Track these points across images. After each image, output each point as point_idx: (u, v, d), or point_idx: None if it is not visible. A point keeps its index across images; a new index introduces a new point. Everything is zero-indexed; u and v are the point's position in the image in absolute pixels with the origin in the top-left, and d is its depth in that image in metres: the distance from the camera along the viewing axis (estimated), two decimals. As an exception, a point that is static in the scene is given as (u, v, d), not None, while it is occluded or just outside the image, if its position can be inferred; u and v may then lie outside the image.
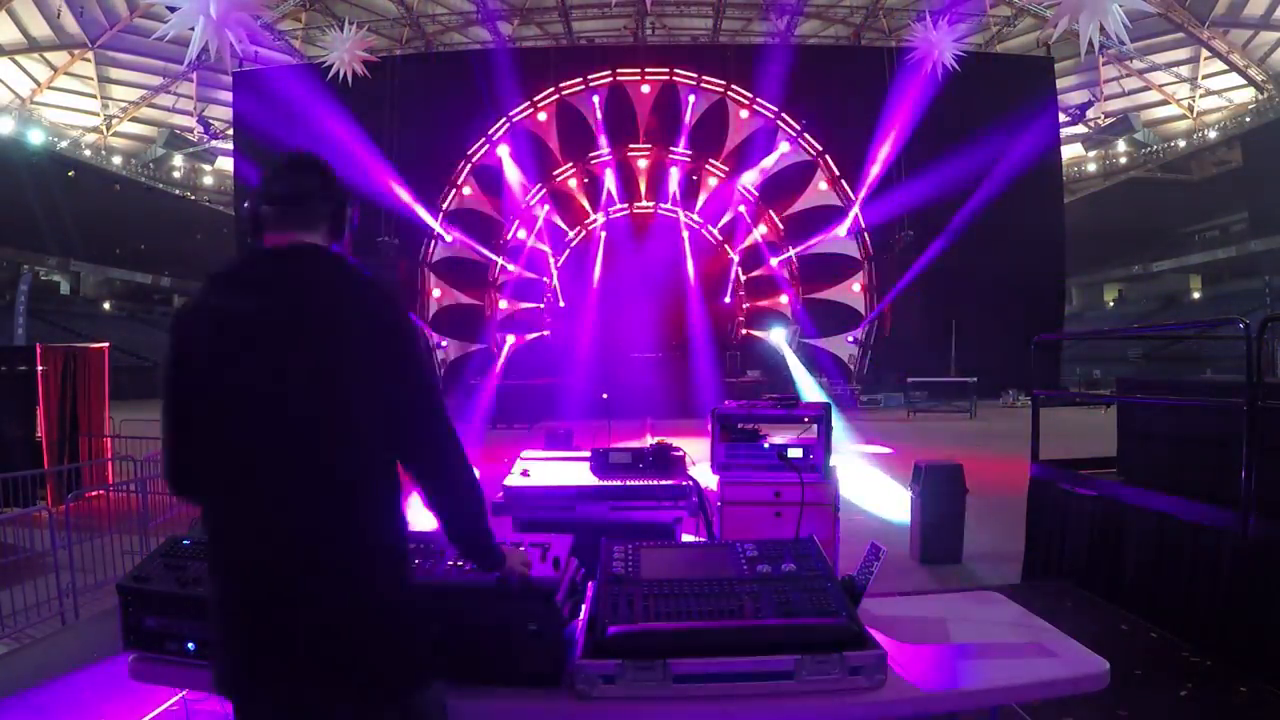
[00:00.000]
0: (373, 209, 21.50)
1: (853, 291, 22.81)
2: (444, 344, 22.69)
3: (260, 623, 1.33)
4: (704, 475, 3.51)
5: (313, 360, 1.34)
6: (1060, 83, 26.88)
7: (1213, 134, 34.75)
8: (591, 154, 22.84)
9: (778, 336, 22.63)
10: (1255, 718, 2.87)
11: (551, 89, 22.56)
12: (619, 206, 23.12)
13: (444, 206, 22.20)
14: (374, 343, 1.37)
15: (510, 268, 22.90)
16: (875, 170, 21.95)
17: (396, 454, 1.41)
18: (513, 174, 22.31)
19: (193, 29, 15.46)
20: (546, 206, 22.49)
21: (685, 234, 22.90)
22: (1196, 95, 33.41)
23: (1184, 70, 32.49)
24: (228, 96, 28.67)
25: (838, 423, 4.31)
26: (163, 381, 1.43)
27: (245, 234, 1.53)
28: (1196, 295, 37.80)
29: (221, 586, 1.37)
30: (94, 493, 6.62)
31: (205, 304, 1.39)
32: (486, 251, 22.48)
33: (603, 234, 22.96)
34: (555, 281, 23.25)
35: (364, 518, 1.37)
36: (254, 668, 1.34)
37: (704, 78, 22.57)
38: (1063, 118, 28.70)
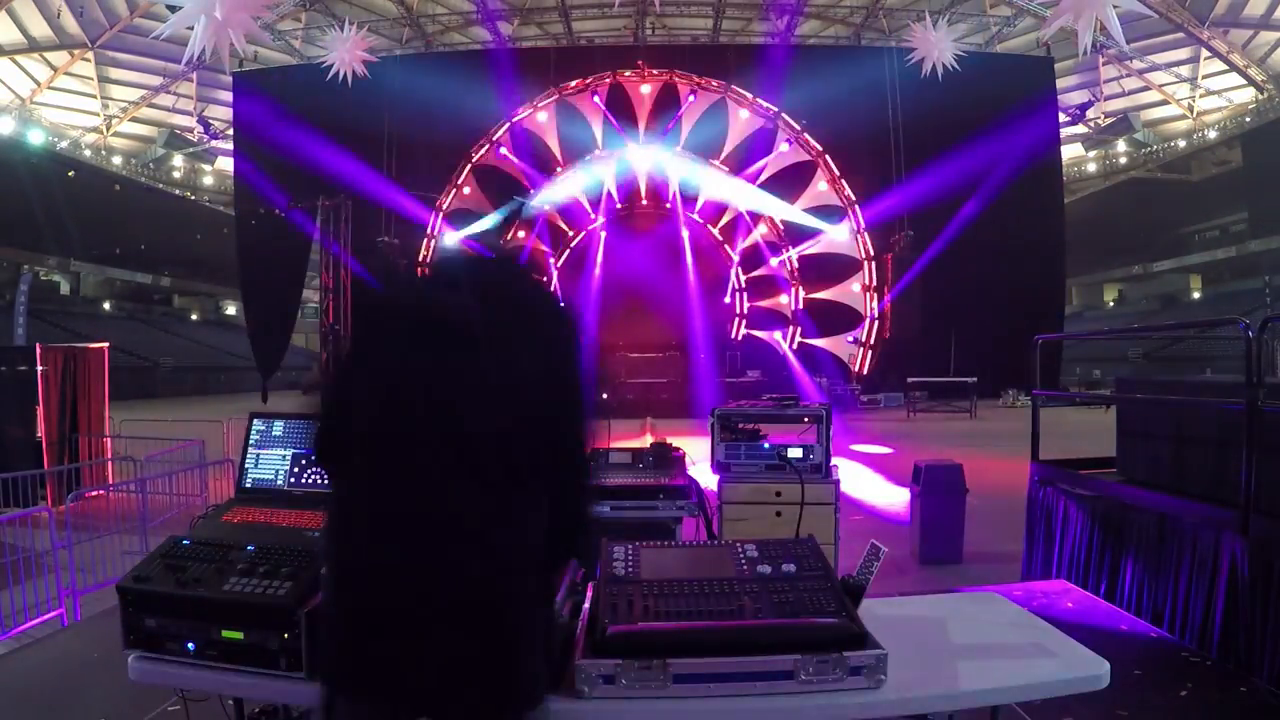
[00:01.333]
0: (373, 209, 21.54)
1: (853, 291, 22.81)
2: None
3: (380, 622, 1.29)
4: (704, 475, 3.51)
5: (491, 367, 1.35)
6: (1060, 83, 26.89)
7: (1213, 134, 34.76)
8: (591, 154, 22.85)
9: (777, 337, 22.67)
10: (1255, 718, 2.87)
11: (551, 89, 22.57)
12: (619, 206, 23.13)
13: (444, 206, 22.20)
14: (549, 354, 1.38)
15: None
16: (875, 170, 21.97)
17: (546, 461, 1.39)
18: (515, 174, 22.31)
19: (192, 29, 15.45)
20: (547, 205, 22.47)
21: (685, 234, 22.91)
22: (1196, 95, 33.42)
23: (1184, 70, 32.50)
24: (228, 96, 28.70)
25: (838, 424, 4.31)
26: (344, 359, 1.47)
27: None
28: (1196, 295, 37.81)
29: (340, 577, 1.35)
30: (94, 493, 6.63)
31: (411, 296, 1.45)
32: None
33: (603, 234, 22.97)
34: (555, 282, 23.23)
35: (508, 527, 1.34)
36: (364, 667, 1.29)
37: (704, 78, 22.58)
38: (1063, 118, 28.71)
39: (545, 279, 1.64)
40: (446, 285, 1.41)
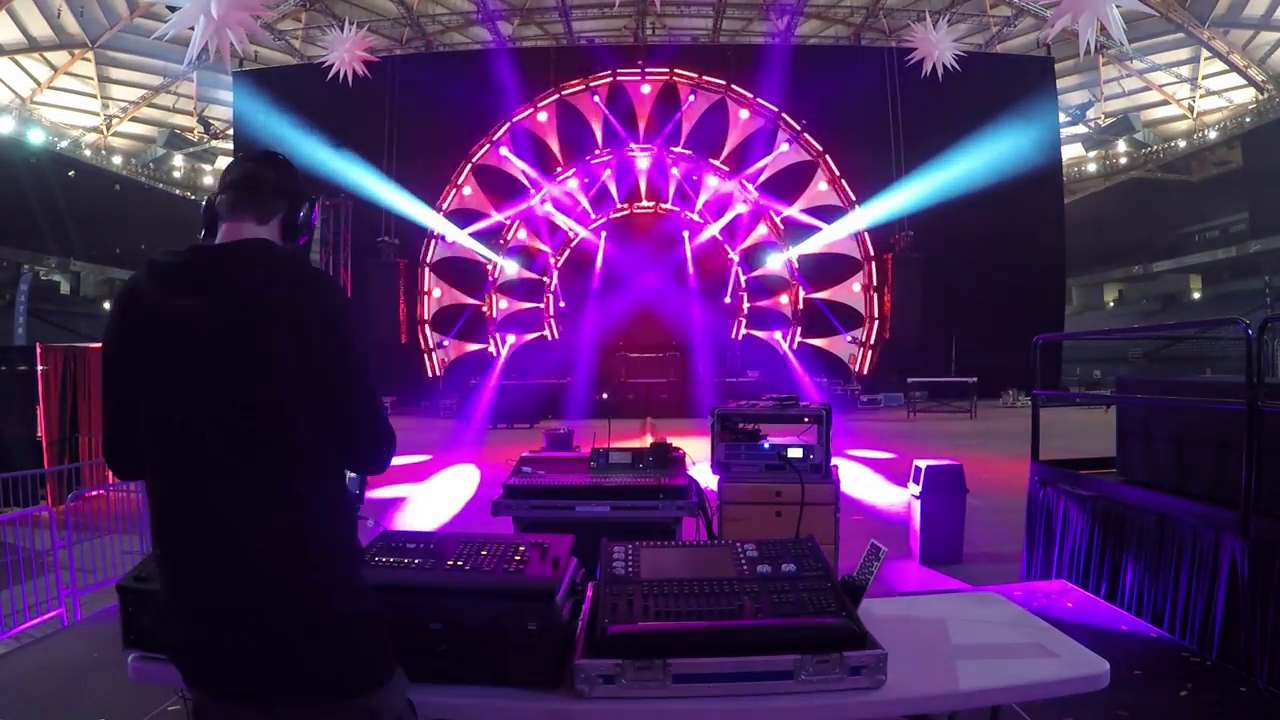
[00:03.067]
0: (372, 209, 21.55)
1: (853, 291, 22.81)
2: (445, 343, 22.71)
3: (203, 623, 1.31)
4: (704, 475, 3.51)
5: (246, 358, 1.31)
6: (1060, 83, 26.88)
7: (1213, 134, 34.75)
8: (592, 154, 22.86)
9: (777, 337, 22.67)
10: (1255, 718, 2.87)
11: (551, 89, 22.57)
12: (619, 206, 23.14)
13: (444, 206, 22.21)
14: (304, 335, 1.33)
15: (511, 267, 22.91)
16: (875, 170, 21.96)
17: (331, 436, 1.37)
18: (515, 173, 22.33)
19: (193, 29, 15.45)
20: (548, 205, 22.50)
21: (685, 234, 22.91)
22: (1196, 95, 33.41)
23: (1184, 70, 32.49)
24: (228, 96, 28.69)
25: (837, 425, 4.31)
26: (103, 362, 1.42)
27: (201, 225, 1.50)
28: (1196, 295, 37.79)
29: (167, 581, 1.35)
30: (94, 493, 6.62)
31: (146, 293, 1.36)
32: (487, 251, 22.48)
33: (603, 234, 22.98)
34: (555, 281, 23.25)
35: (307, 521, 1.33)
36: (198, 667, 1.33)
37: (704, 78, 22.58)
38: (1063, 118, 28.70)
39: (306, 260, 1.47)
40: (168, 283, 1.36)
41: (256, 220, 1.46)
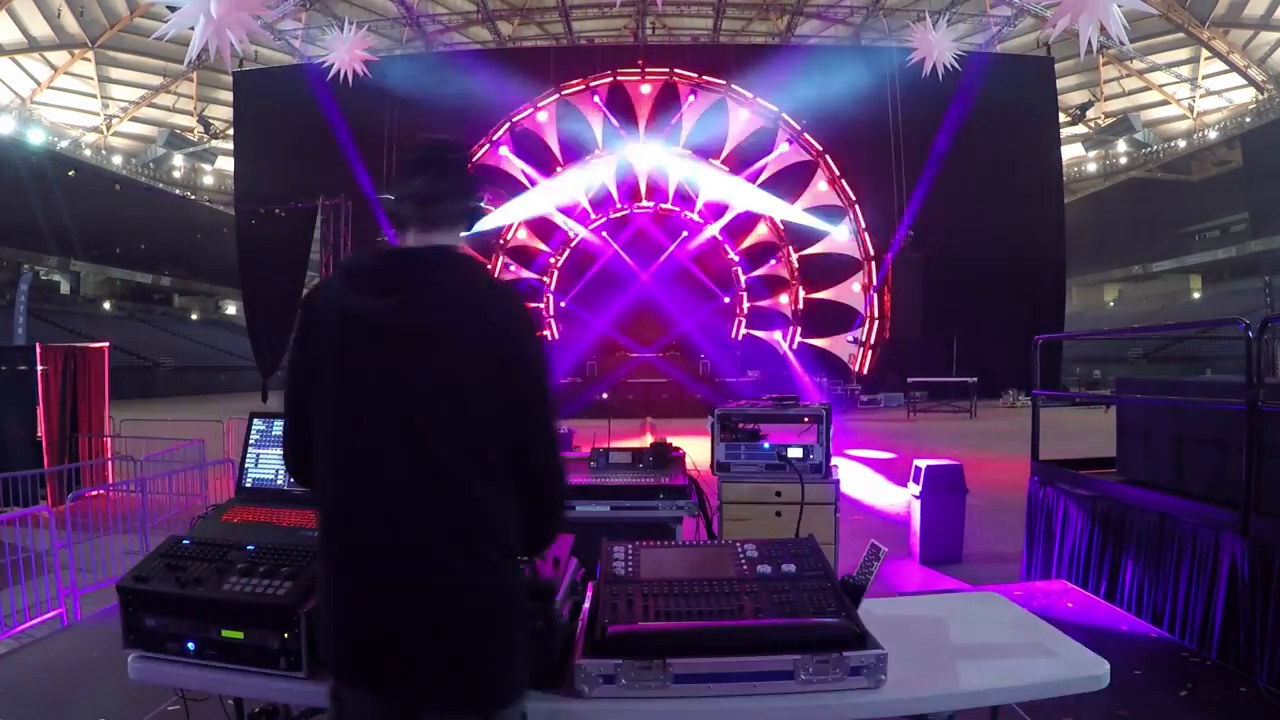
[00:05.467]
0: (373, 209, 21.55)
1: (853, 291, 22.81)
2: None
3: (363, 621, 1.32)
4: (704, 475, 3.51)
5: (434, 367, 1.33)
6: (1060, 83, 26.90)
7: (1213, 134, 34.78)
8: (592, 154, 22.86)
9: (777, 337, 22.67)
10: (1255, 718, 2.87)
11: (551, 89, 22.57)
12: (619, 207, 23.14)
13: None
14: (494, 352, 1.35)
15: (510, 267, 22.91)
16: (875, 170, 21.97)
17: (509, 461, 1.37)
18: (515, 173, 22.32)
19: (193, 29, 15.43)
20: (548, 205, 22.51)
21: (685, 233, 22.92)
22: (1196, 95, 33.43)
23: (1184, 70, 32.52)
24: (228, 96, 28.72)
25: (837, 426, 4.31)
26: (289, 366, 1.45)
27: (391, 225, 1.51)
28: (1196, 295, 37.80)
29: (329, 578, 1.37)
30: (94, 493, 6.62)
31: (335, 299, 1.39)
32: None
33: (604, 234, 22.98)
34: (555, 281, 23.25)
35: (477, 526, 1.34)
36: (354, 664, 1.33)
37: (704, 78, 22.58)
38: (1063, 118, 28.70)
39: (491, 273, 1.50)
40: (360, 285, 1.38)
41: (443, 229, 1.46)
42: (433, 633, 1.29)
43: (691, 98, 22.58)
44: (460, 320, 1.35)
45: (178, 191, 39.31)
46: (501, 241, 22.67)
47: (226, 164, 34.97)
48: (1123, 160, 37.66)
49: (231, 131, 27.85)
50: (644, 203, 23.16)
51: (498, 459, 1.35)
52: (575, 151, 22.68)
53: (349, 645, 1.34)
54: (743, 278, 23.28)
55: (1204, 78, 32.40)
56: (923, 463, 5.82)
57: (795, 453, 3.71)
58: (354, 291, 1.38)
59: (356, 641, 1.33)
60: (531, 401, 1.38)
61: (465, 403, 1.33)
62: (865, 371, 22.63)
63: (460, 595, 1.31)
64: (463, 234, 1.51)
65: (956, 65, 20.49)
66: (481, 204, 1.54)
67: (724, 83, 22.49)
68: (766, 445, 3.77)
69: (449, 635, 1.30)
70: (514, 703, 1.36)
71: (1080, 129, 35.48)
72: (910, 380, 20.02)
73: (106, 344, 9.67)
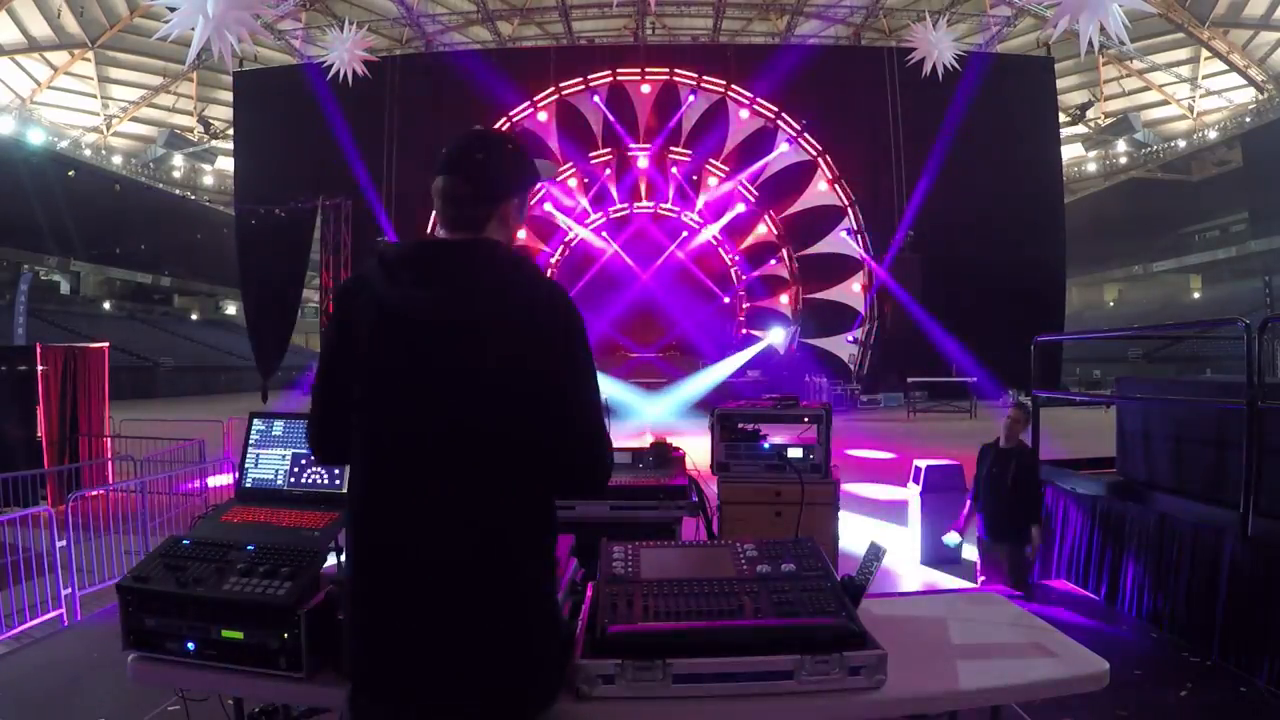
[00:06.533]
0: (373, 209, 21.55)
1: (853, 291, 22.81)
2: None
3: (390, 620, 1.29)
4: (704, 475, 3.51)
5: (474, 351, 1.32)
6: (1060, 83, 26.88)
7: (1213, 134, 34.78)
8: (592, 154, 22.85)
9: (776, 337, 22.64)
10: (1255, 718, 2.87)
11: (551, 89, 22.57)
12: (619, 206, 23.14)
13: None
14: (535, 334, 1.33)
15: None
16: (875, 170, 21.98)
17: (548, 448, 1.36)
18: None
19: (193, 29, 15.45)
20: (548, 205, 22.50)
21: (685, 234, 22.91)
22: (1196, 95, 33.42)
23: (1184, 70, 32.52)
24: (228, 96, 28.70)
25: (836, 426, 4.31)
26: (321, 348, 1.45)
27: (438, 210, 1.46)
28: (1196, 295, 37.80)
29: (356, 574, 1.35)
30: (94, 493, 6.62)
31: (375, 283, 1.37)
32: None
33: (603, 234, 22.98)
34: (552, 272, 23.22)
35: (512, 520, 1.32)
36: (379, 664, 1.30)
37: (704, 78, 22.58)
38: (1063, 118, 28.69)
39: (535, 265, 1.47)
40: (399, 275, 1.36)
41: (482, 223, 1.44)
42: (460, 639, 1.27)
43: (691, 98, 22.58)
44: (502, 312, 1.34)
45: (178, 191, 39.31)
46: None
47: (226, 164, 34.96)
48: (1123, 160, 37.65)
49: (231, 131, 27.83)
50: (644, 202, 23.16)
51: (535, 452, 1.34)
52: (575, 151, 22.69)
53: (373, 649, 1.31)
54: (743, 277, 23.28)
55: (1204, 78, 32.40)
56: (923, 463, 5.82)
57: (795, 453, 3.70)
58: (391, 281, 1.36)
59: (380, 645, 1.30)
60: (576, 390, 1.37)
61: (502, 394, 1.31)
62: (865, 371, 22.62)
63: (491, 601, 1.28)
64: (516, 223, 1.49)
65: (956, 65, 20.50)
66: (519, 198, 1.51)
67: (724, 83, 22.49)
68: (766, 445, 3.77)
69: (477, 643, 1.27)
70: (545, 706, 1.35)
71: (1080, 129, 35.48)
72: (910, 380, 20.02)
73: (106, 344, 9.68)
